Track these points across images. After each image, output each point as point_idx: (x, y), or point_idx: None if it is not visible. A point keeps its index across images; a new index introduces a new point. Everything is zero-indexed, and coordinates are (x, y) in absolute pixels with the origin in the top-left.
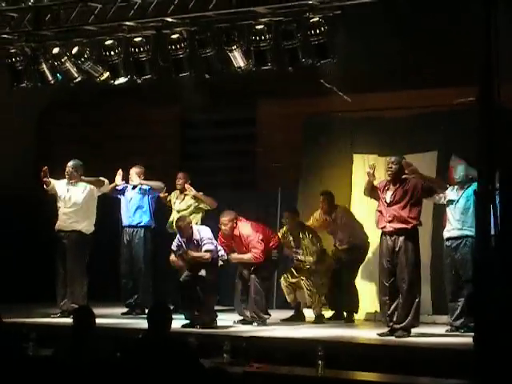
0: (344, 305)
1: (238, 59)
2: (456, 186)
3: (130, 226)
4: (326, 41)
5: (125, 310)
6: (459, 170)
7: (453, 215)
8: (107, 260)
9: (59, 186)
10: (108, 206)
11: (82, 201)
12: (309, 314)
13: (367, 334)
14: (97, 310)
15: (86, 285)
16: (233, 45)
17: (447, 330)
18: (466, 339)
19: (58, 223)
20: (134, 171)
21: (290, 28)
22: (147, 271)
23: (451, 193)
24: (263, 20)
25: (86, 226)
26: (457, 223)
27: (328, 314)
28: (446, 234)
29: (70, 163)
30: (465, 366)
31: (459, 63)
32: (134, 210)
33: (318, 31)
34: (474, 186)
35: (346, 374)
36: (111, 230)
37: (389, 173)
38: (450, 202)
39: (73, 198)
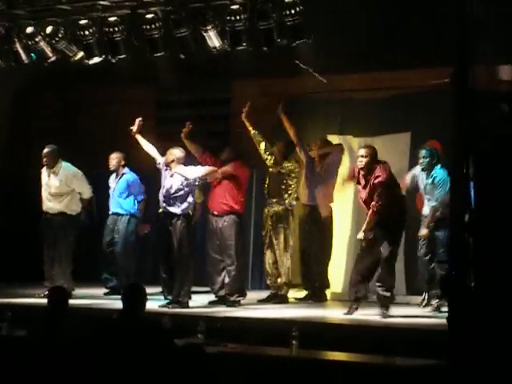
0: (318, 283)
1: (213, 39)
2: (423, 171)
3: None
4: (302, 21)
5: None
6: (422, 156)
7: (425, 198)
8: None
9: (43, 171)
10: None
11: (62, 185)
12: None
13: (340, 313)
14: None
15: (71, 266)
16: (208, 25)
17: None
18: (440, 320)
19: (44, 205)
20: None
21: (266, 8)
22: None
23: (420, 175)
24: (238, 0)
25: (71, 207)
26: (430, 204)
27: (301, 294)
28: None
29: (45, 150)
30: (438, 347)
31: (433, 44)
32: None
33: (293, 11)
34: (437, 168)
35: (320, 354)
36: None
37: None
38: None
39: (53, 183)
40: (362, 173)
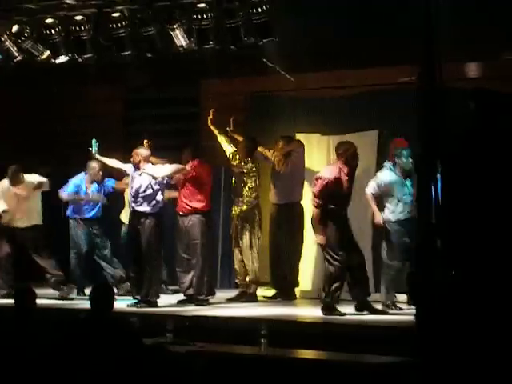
0: (287, 281)
1: (179, 38)
2: (396, 168)
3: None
4: (268, 20)
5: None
6: (405, 156)
7: (401, 198)
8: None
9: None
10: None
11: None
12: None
13: (309, 312)
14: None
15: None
16: (174, 23)
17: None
18: (409, 317)
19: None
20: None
21: (232, 6)
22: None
23: (393, 174)
24: None
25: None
26: (407, 207)
27: (270, 292)
28: (395, 216)
29: (9, 171)
30: (406, 344)
31: (400, 42)
32: None
33: (260, 10)
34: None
35: (289, 352)
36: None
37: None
38: (395, 183)
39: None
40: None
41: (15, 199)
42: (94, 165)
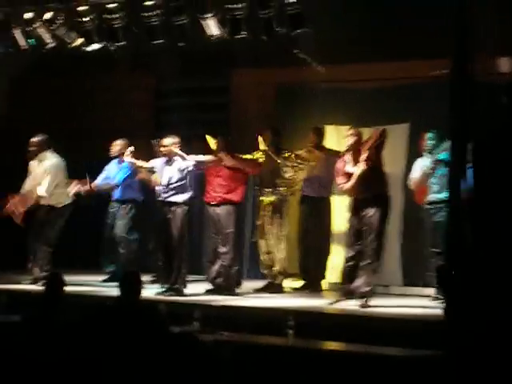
0: (314, 273)
1: (212, 27)
2: (427, 154)
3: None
4: (301, 10)
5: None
6: (428, 138)
7: (430, 182)
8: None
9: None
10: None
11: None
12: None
13: (336, 303)
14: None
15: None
16: (207, 13)
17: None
18: (437, 310)
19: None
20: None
21: None
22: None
23: (425, 161)
24: None
25: (56, 198)
26: (434, 188)
27: (298, 283)
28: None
29: (33, 140)
30: (435, 337)
31: (433, 35)
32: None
33: (293, 0)
34: (444, 154)
35: (316, 343)
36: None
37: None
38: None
39: (38, 172)
40: (348, 149)
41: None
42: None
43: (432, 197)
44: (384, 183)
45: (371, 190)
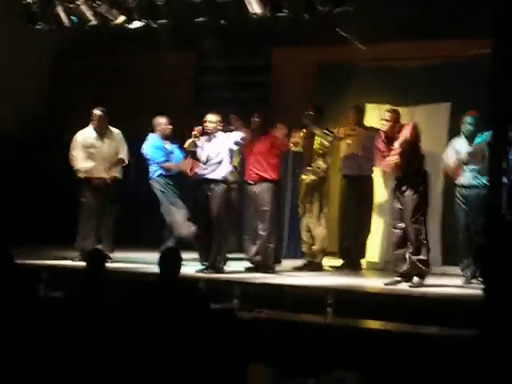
0: (354, 252)
1: (253, 5)
2: (464, 138)
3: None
4: None
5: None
6: (467, 123)
7: (466, 166)
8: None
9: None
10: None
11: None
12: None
13: (375, 282)
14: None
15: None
16: None
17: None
18: (477, 290)
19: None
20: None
21: None
22: None
23: (462, 145)
24: None
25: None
26: (470, 173)
27: (337, 262)
28: (461, 181)
29: (98, 113)
30: (474, 317)
31: (473, 14)
32: None
33: None
34: (482, 136)
35: (354, 321)
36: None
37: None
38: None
39: (105, 148)
40: (386, 136)
41: None
42: (161, 120)
43: (466, 182)
44: (422, 163)
45: (409, 168)
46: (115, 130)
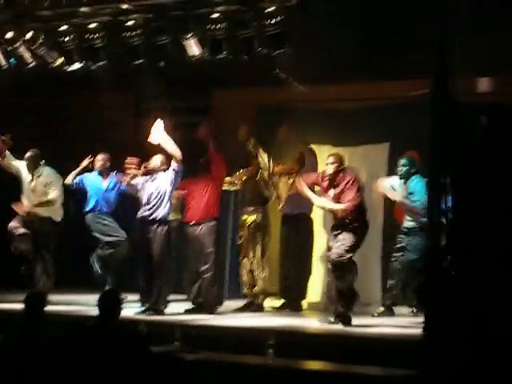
0: (295, 292)
1: (193, 47)
2: (401, 180)
3: None
4: (282, 31)
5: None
6: (401, 164)
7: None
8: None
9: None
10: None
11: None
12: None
13: (317, 323)
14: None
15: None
16: (188, 33)
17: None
18: (416, 330)
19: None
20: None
21: (246, 17)
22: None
23: (398, 186)
24: (219, 9)
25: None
26: (408, 216)
27: (278, 303)
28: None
29: (27, 155)
30: (413, 357)
31: (414, 56)
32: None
33: (273, 21)
34: (416, 178)
35: (296, 363)
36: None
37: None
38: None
39: (38, 187)
40: (329, 179)
41: None
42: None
43: (407, 223)
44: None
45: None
46: (48, 170)
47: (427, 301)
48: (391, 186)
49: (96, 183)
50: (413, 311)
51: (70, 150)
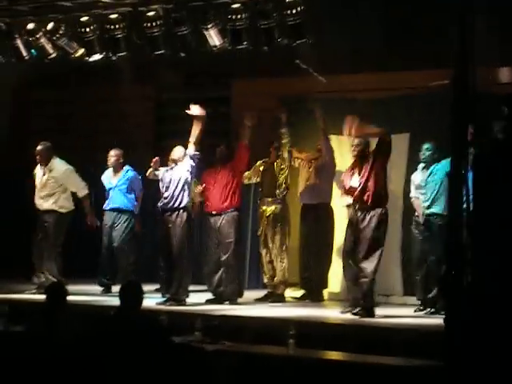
0: (315, 282)
1: (213, 38)
2: (422, 165)
3: None
4: (302, 21)
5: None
6: (424, 148)
7: (422, 194)
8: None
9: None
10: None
11: (55, 182)
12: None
13: (337, 313)
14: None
15: (59, 262)
16: (209, 23)
17: (415, 310)
18: (437, 320)
19: (37, 203)
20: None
21: (267, 7)
22: None
23: (419, 173)
24: None
25: (62, 204)
26: (426, 202)
27: (299, 293)
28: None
29: (38, 148)
30: (434, 347)
31: (434, 46)
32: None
33: (294, 11)
34: (440, 165)
35: (316, 353)
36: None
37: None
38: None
39: (46, 180)
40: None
41: None
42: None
43: (425, 209)
44: (385, 197)
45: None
46: (62, 166)
47: (449, 292)
48: (412, 181)
49: (108, 179)
50: (419, 306)
51: (91, 142)
